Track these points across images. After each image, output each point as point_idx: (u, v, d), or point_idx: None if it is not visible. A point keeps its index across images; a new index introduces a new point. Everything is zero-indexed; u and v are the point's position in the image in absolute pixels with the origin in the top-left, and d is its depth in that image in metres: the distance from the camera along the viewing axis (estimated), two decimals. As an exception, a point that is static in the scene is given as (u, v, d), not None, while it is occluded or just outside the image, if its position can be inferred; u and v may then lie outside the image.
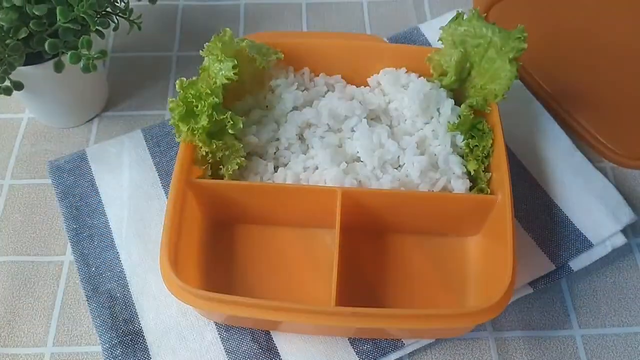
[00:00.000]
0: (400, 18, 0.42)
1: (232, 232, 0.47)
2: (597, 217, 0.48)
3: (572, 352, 0.44)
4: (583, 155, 0.52)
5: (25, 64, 0.45)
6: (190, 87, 0.43)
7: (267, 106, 0.48)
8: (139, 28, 0.51)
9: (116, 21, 0.50)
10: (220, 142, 0.43)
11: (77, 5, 0.43)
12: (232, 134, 0.44)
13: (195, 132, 0.42)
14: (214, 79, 0.43)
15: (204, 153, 0.43)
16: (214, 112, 0.42)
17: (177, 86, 0.43)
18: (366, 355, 0.43)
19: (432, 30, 0.59)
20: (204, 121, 0.42)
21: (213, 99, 0.42)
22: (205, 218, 0.47)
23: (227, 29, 0.45)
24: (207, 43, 0.44)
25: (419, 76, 0.48)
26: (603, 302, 0.46)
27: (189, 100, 0.42)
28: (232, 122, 0.43)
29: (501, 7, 0.54)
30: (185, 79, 0.43)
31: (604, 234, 0.47)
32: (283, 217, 0.46)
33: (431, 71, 0.49)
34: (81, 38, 0.44)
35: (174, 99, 0.43)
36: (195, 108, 0.42)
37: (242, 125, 0.44)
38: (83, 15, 0.44)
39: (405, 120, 0.47)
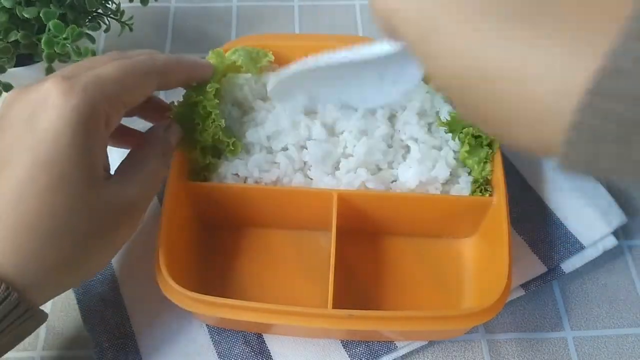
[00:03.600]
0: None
1: (227, 234, 0.47)
2: (589, 219, 0.48)
3: (564, 354, 0.44)
4: (574, 157, 0.52)
5: (15, 65, 0.45)
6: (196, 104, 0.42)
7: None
8: (131, 29, 0.50)
9: (107, 22, 0.49)
10: (216, 158, 0.44)
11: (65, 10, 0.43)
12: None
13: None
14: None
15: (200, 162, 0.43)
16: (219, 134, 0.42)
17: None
18: (359, 357, 0.43)
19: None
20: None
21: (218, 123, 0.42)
22: (200, 221, 0.46)
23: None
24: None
25: None
26: (595, 304, 0.47)
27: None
28: (232, 148, 0.43)
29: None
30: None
31: (595, 236, 0.47)
32: (278, 219, 0.46)
33: None
34: (68, 48, 0.43)
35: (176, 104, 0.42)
36: (197, 126, 0.42)
37: (240, 150, 0.43)
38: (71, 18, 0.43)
39: (403, 124, 0.47)
